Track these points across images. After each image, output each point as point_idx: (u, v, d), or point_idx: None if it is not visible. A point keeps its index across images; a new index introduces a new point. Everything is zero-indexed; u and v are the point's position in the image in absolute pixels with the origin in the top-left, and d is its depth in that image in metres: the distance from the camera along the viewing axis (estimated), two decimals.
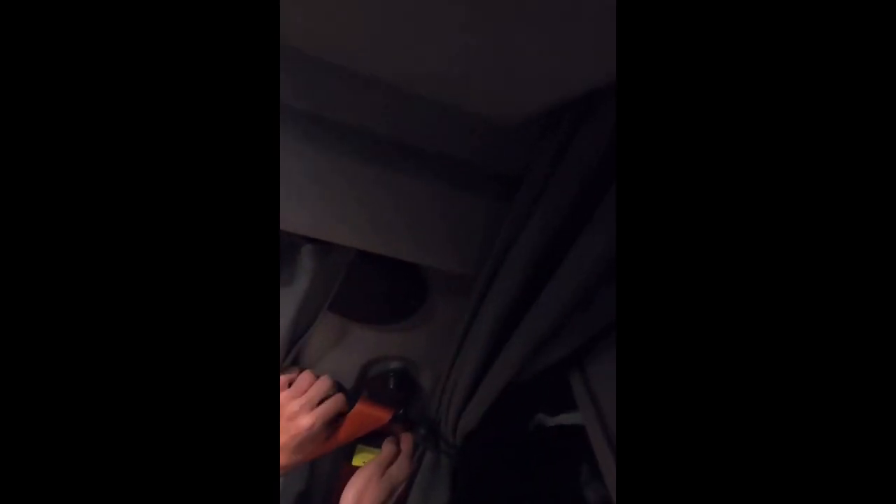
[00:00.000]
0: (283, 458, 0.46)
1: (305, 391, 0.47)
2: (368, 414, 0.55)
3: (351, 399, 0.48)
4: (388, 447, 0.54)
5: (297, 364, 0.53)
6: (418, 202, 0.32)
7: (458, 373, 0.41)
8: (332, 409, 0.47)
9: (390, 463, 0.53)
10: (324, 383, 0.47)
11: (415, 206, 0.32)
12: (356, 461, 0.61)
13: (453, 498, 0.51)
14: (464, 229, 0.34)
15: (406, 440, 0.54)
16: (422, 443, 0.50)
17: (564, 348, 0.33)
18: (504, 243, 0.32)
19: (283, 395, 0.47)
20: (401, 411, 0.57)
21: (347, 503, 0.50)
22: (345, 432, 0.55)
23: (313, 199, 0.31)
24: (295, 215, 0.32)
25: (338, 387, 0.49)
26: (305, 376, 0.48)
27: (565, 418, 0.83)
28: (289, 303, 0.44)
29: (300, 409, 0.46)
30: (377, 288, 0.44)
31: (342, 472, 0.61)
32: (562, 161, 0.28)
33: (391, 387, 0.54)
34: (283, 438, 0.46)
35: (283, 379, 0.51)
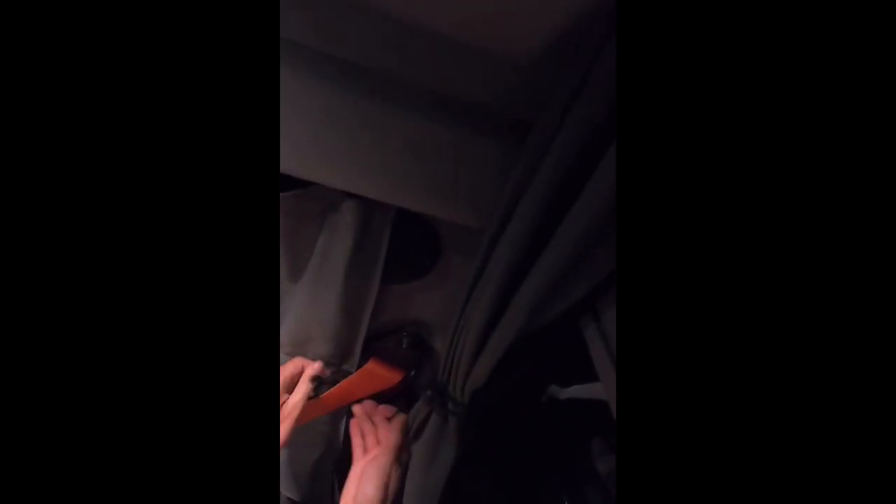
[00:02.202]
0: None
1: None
2: (380, 374, 0.56)
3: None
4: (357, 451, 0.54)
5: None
6: (432, 148, 0.32)
7: (467, 327, 0.41)
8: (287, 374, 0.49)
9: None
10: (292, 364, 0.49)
11: (428, 152, 0.32)
12: None
13: (459, 456, 0.52)
14: (479, 179, 0.34)
15: (383, 455, 0.53)
16: (429, 403, 0.51)
17: (577, 293, 0.32)
18: (514, 189, 0.31)
19: None
20: (412, 373, 0.58)
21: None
22: (357, 390, 0.57)
23: (320, 142, 0.31)
24: (300, 157, 0.32)
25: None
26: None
27: (578, 391, 0.83)
28: (334, 267, 0.45)
29: None
30: (389, 246, 0.44)
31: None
32: (574, 104, 0.27)
33: (404, 347, 0.55)
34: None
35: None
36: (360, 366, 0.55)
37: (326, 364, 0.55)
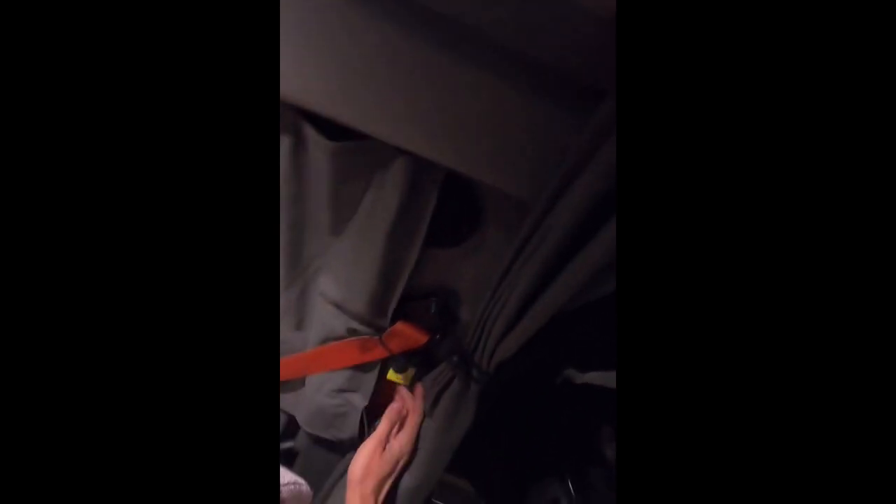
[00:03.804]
0: None
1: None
2: (408, 334, 0.58)
3: None
4: (385, 422, 0.60)
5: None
6: (497, 109, 0.30)
7: (504, 298, 0.41)
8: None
9: (389, 434, 0.59)
10: None
11: (493, 114, 0.31)
12: (389, 376, 0.65)
13: (476, 423, 0.54)
14: (538, 148, 0.33)
15: (413, 415, 0.59)
16: (454, 368, 0.52)
17: None
18: (574, 163, 0.30)
19: None
20: (437, 337, 0.60)
21: (355, 478, 0.56)
22: (384, 348, 0.59)
23: (380, 93, 0.30)
24: (357, 108, 0.31)
25: None
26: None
27: (595, 377, 0.83)
28: (378, 227, 0.44)
29: None
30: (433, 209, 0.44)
31: (381, 386, 0.66)
32: None
33: (433, 312, 0.56)
34: None
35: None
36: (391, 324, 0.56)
37: (362, 321, 0.57)
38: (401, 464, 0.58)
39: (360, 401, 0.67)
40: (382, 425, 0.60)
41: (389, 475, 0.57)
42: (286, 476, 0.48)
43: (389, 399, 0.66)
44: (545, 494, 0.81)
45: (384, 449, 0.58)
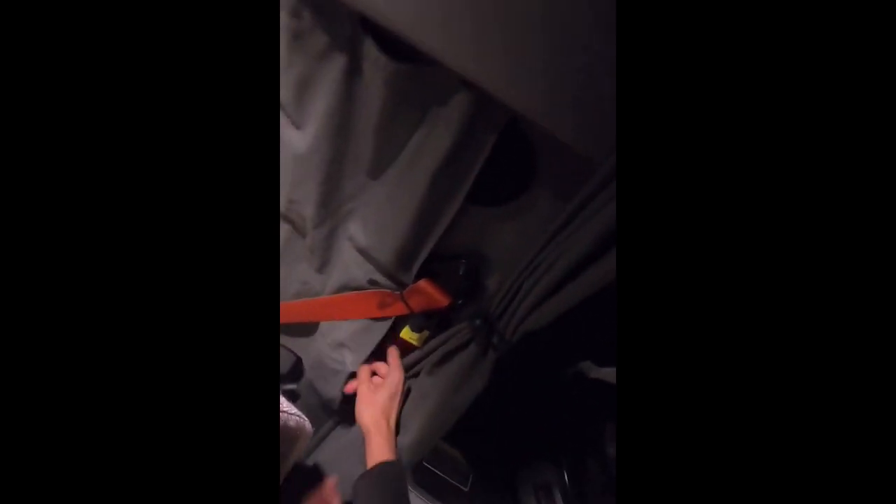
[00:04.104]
0: None
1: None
2: (430, 294, 0.56)
3: None
4: (365, 370, 0.63)
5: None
6: (581, 54, 0.27)
7: (545, 266, 0.38)
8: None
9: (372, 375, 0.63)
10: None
11: (576, 58, 0.27)
12: (403, 334, 0.64)
13: (486, 390, 0.52)
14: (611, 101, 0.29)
15: (392, 353, 0.62)
16: (474, 331, 0.50)
17: None
18: None
19: None
20: (460, 301, 0.57)
21: (365, 424, 0.58)
22: (403, 305, 0.57)
23: (455, 14, 0.27)
24: (425, 26, 0.28)
25: None
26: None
27: (610, 374, 0.80)
28: (423, 170, 0.41)
29: None
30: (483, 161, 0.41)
31: (394, 341, 0.65)
32: None
33: (461, 274, 0.54)
34: None
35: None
36: (415, 280, 0.54)
37: (385, 273, 0.55)
38: (399, 392, 0.60)
39: (351, 363, 0.66)
40: (364, 370, 0.63)
41: (393, 408, 0.59)
42: (293, 408, 0.47)
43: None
44: (537, 478, 0.81)
45: (379, 389, 0.60)
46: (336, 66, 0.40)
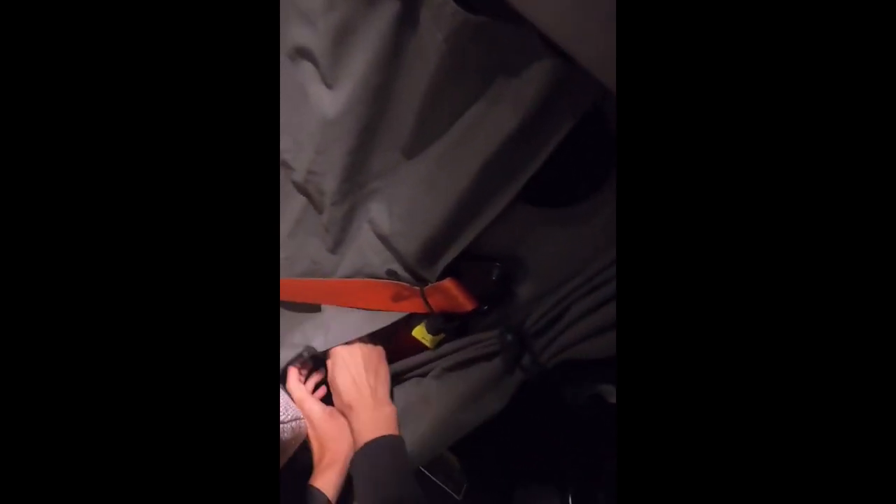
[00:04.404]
0: None
1: None
2: (454, 295, 0.49)
3: None
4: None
5: None
6: None
7: (607, 291, 0.31)
8: None
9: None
10: None
11: None
12: (416, 333, 0.58)
13: (501, 413, 0.46)
14: None
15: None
16: (503, 347, 0.43)
17: None
18: None
19: None
20: (485, 308, 0.51)
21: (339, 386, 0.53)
22: (421, 302, 0.51)
23: None
24: None
25: None
26: None
27: None
28: (476, 151, 0.34)
29: None
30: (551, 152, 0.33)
31: (400, 336, 0.59)
32: None
33: (493, 278, 0.47)
34: None
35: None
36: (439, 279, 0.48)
37: (405, 266, 0.49)
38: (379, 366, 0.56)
39: (320, 343, 0.59)
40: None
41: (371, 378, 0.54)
42: (287, 413, 0.42)
43: (405, 350, 0.60)
44: (538, 502, 0.76)
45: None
46: (387, 11, 0.32)
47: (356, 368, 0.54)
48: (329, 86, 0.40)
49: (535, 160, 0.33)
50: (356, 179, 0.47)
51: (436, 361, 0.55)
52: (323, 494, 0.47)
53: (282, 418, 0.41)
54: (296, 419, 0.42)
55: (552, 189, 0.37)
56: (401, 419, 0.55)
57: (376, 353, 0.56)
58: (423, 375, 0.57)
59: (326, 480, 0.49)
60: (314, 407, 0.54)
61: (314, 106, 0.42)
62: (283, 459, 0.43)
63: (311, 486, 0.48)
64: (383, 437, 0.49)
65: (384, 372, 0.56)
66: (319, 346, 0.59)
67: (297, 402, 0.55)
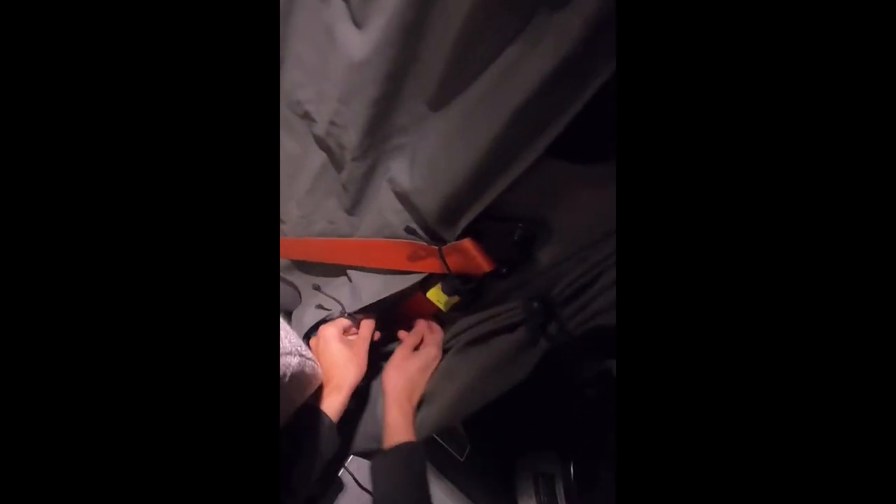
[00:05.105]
0: None
1: None
2: (472, 256, 0.48)
3: None
4: (411, 337, 0.59)
5: None
6: None
7: None
8: None
9: (416, 346, 0.58)
10: None
11: None
12: (430, 294, 0.57)
13: (525, 380, 0.46)
14: None
15: (435, 330, 0.58)
16: (528, 316, 0.43)
17: None
18: None
19: None
20: (503, 270, 0.50)
21: (388, 387, 0.55)
22: (439, 262, 0.50)
23: None
24: None
25: None
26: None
27: None
28: (506, 101, 0.32)
29: None
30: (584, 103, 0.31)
31: (415, 297, 0.59)
32: None
33: (514, 239, 0.46)
34: None
35: None
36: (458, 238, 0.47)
37: (424, 225, 0.48)
38: (431, 368, 0.57)
39: (340, 310, 0.60)
40: (410, 337, 0.59)
41: (420, 383, 0.56)
42: (309, 352, 0.42)
43: (417, 314, 0.60)
44: (539, 465, 0.77)
45: (412, 357, 0.57)
46: None
47: (417, 364, 0.56)
48: (358, 24, 0.38)
49: (571, 108, 0.31)
50: (379, 134, 0.45)
51: (458, 337, 0.55)
52: (328, 416, 0.49)
53: (287, 350, 0.42)
54: (315, 360, 0.43)
55: (585, 142, 0.35)
56: (427, 398, 0.56)
57: (435, 355, 0.58)
58: (445, 352, 0.57)
59: (330, 403, 0.51)
60: (331, 330, 0.57)
61: (341, 48, 0.40)
62: (302, 396, 0.44)
63: (317, 408, 0.50)
64: (406, 445, 0.50)
65: (431, 373, 0.58)
66: (349, 307, 0.60)
67: (320, 330, 0.57)
